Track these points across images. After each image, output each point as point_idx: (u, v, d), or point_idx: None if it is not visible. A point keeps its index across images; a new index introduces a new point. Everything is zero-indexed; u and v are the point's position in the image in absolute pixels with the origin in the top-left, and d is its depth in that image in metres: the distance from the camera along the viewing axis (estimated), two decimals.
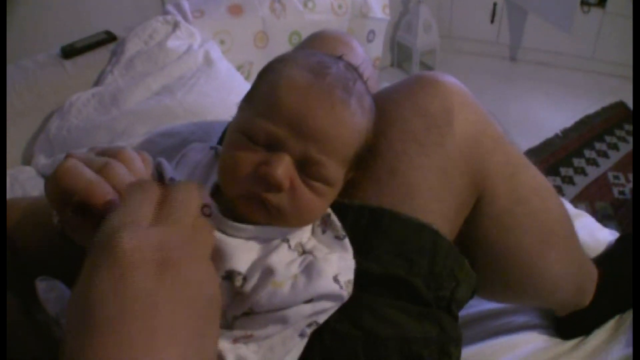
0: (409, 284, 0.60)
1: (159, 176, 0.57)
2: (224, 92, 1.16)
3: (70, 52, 1.28)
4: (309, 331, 0.53)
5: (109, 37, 1.34)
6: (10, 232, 0.57)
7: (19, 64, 1.25)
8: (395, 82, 0.69)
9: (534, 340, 0.87)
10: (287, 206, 0.50)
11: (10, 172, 1.08)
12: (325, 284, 0.50)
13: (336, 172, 0.53)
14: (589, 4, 2.57)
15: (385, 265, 0.59)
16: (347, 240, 0.55)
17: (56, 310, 0.48)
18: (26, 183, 1.04)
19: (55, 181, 0.43)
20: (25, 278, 0.50)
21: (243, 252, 0.50)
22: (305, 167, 0.51)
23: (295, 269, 0.50)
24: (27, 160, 1.19)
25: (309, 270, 0.50)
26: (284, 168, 0.49)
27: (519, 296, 0.79)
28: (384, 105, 0.64)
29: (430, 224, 0.61)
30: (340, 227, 0.56)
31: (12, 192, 1.01)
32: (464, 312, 0.89)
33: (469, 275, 0.66)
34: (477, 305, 0.92)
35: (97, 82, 1.26)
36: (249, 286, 0.48)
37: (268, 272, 0.49)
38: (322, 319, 0.53)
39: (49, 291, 0.49)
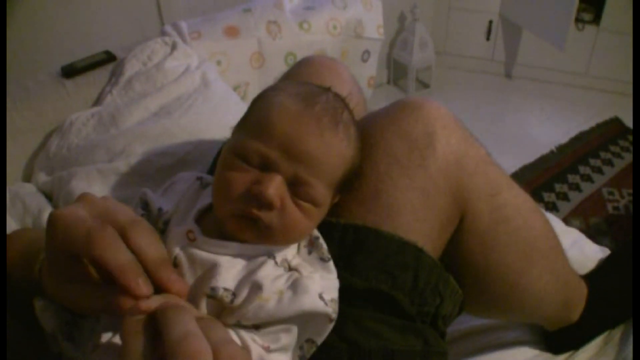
0: (391, 298, 0.62)
1: (145, 206, 0.59)
2: (220, 113, 1.18)
3: (70, 71, 1.29)
4: (306, 347, 0.54)
5: (109, 57, 1.35)
6: (9, 270, 0.56)
7: (20, 82, 1.26)
8: (381, 107, 0.72)
9: (525, 356, 0.88)
10: (276, 224, 0.52)
11: (10, 188, 1.10)
12: (311, 301, 0.51)
13: (323, 193, 0.55)
14: (583, 21, 2.59)
15: (369, 280, 0.61)
16: (331, 263, 0.57)
17: (52, 327, 0.50)
18: (26, 198, 1.05)
19: (87, 244, 0.41)
20: (22, 301, 0.52)
21: (229, 270, 0.51)
22: (295, 188, 0.53)
23: (281, 284, 0.52)
24: (27, 177, 1.20)
25: (294, 286, 0.52)
26: (275, 187, 0.51)
27: (504, 312, 0.80)
28: (369, 130, 0.67)
29: (414, 241, 0.63)
30: (326, 250, 0.58)
31: (14, 207, 1.03)
32: (454, 328, 0.91)
33: (454, 291, 0.68)
34: (468, 321, 0.92)
35: (97, 102, 1.27)
36: (238, 301, 0.50)
37: (256, 288, 0.50)
38: (319, 339, 0.54)
39: (46, 309, 0.51)
